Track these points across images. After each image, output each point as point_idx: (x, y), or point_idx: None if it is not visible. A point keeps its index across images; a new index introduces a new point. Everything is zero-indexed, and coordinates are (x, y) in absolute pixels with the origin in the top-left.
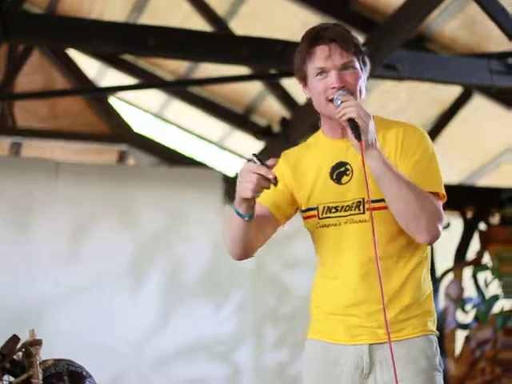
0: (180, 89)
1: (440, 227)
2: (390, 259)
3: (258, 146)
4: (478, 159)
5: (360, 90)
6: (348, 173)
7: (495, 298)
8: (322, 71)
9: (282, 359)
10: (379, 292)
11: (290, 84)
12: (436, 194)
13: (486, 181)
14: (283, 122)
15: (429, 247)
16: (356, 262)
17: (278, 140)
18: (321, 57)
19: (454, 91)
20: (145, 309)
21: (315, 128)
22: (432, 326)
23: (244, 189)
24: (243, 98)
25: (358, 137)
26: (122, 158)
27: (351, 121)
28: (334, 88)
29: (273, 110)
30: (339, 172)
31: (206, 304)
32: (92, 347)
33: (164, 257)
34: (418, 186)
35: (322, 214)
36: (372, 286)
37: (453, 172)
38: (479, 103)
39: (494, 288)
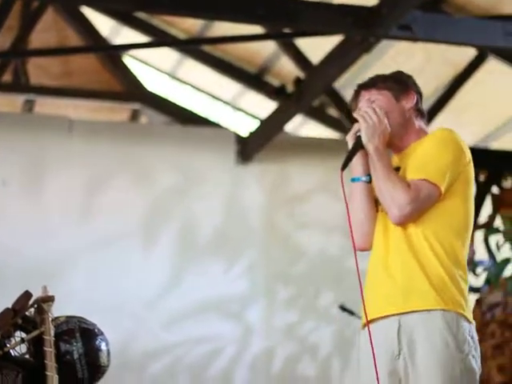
0: (193, 48)
1: (401, 211)
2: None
3: (271, 106)
4: (491, 122)
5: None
6: None
7: (506, 261)
8: None
9: (292, 319)
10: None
11: (304, 44)
12: (424, 181)
13: (499, 144)
14: (297, 82)
15: (443, 234)
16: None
17: (291, 100)
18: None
19: (468, 53)
20: (157, 267)
21: (329, 88)
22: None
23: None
24: (257, 57)
25: (350, 155)
26: (134, 116)
27: (358, 138)
28: None
29: (286, 69)
30: None
31: (218, 263)
32: (104, 305)
33: (176, 215)
34: (395, 176)
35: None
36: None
37: (466, 135)
38: (493, 66)
39: (506, 251)
